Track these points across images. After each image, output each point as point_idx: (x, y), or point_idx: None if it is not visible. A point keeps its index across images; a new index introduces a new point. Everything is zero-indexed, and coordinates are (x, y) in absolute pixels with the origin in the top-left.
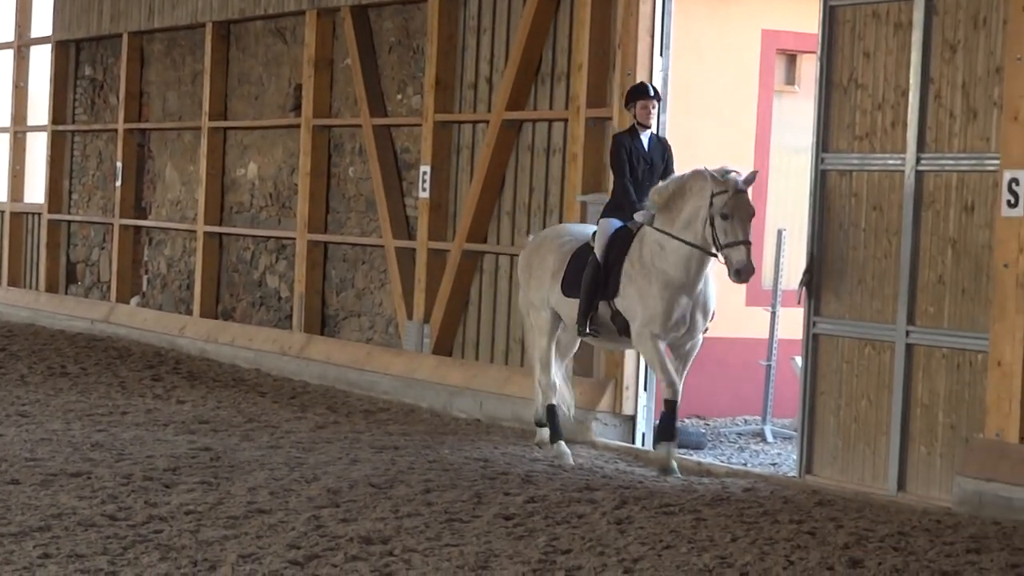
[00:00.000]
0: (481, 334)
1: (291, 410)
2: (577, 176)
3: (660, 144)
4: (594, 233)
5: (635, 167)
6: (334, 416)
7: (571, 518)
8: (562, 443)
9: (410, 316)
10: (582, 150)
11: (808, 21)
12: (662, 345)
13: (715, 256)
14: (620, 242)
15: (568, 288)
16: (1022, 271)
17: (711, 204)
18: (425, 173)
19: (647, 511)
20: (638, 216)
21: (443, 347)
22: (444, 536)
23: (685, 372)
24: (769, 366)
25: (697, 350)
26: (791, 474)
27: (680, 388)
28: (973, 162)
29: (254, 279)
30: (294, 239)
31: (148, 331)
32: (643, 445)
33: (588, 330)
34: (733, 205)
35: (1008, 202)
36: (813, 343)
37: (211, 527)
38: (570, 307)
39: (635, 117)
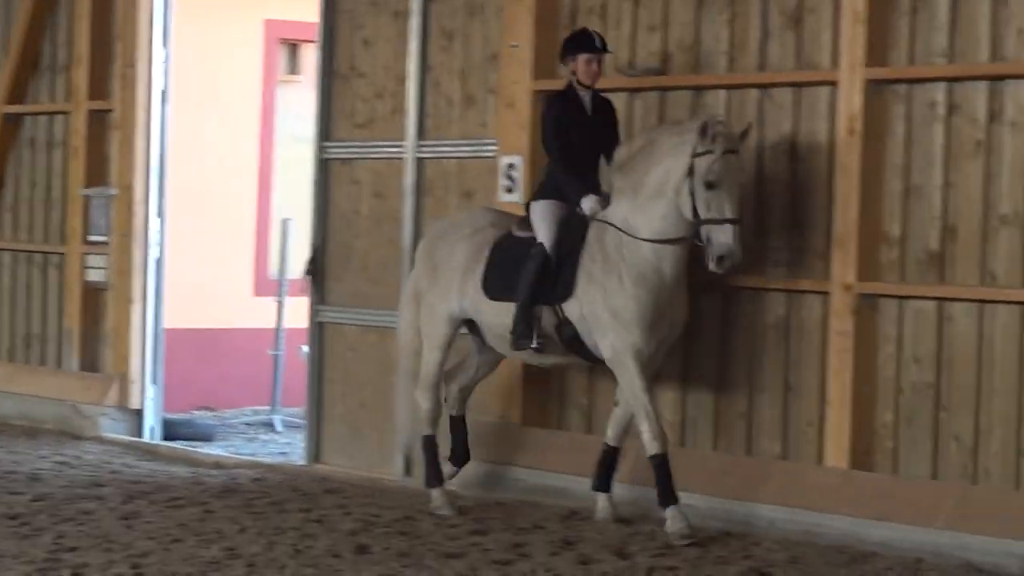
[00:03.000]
0: None
1: None
2: (80, 169)
3: (604, 106)
4: (522, 220)
5: (573, 141)
6: None
7: (78, 515)
8: (438, 491)
9: None
10: (84, 143)
11: (310, 10)
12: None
13: (695, 240)
14: (572, 231)
15: (494, 289)
16: None
17: (691, 168)
18: None
19: (155, 505)
20: (585, 204)
21: None
22: None
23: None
24: (277, 356)
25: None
26: (300, 463)
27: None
28: (472, 148)
29: None
30: None
31: None
32: (151, 439)
33: (534, 343)
34: (721, 170)
35: (506, 187)
36: (319, 331)
37: None
38: (495, 313)
39: (574, 75)
